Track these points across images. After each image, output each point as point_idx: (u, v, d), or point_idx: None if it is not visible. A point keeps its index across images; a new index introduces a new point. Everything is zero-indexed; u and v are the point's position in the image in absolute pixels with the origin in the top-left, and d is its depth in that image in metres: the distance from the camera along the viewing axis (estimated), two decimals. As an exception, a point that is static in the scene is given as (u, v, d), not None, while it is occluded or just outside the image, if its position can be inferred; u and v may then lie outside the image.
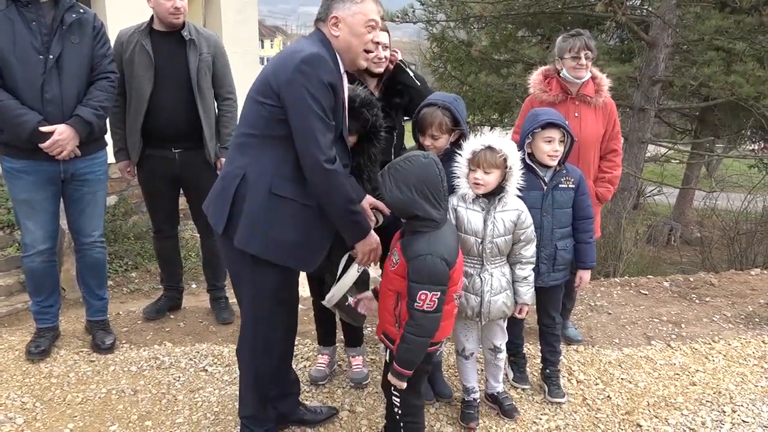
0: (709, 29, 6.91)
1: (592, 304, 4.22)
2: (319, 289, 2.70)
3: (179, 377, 3.07)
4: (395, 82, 2.91)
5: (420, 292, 2.09)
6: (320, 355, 3.13)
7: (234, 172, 2.15)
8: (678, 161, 10.43)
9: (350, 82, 2.82)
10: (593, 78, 3.28)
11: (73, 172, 2.95)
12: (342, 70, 2.20)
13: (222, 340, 3.47)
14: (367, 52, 2.72)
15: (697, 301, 4.38)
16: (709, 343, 3.71)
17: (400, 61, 2.94)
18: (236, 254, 2.20)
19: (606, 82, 3.31)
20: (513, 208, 2.59)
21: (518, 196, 2.67)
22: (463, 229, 2.56)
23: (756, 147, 14.01)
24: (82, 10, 2.86)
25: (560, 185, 2.78)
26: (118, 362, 3.16)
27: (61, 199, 3.06)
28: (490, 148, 2.49)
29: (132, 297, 5.03)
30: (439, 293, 2.11)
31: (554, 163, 2.74)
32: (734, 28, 7.22)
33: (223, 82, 3.36)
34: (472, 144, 2.52)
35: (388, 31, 2.86)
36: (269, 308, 2.30)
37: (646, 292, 4.51)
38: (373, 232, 2.33)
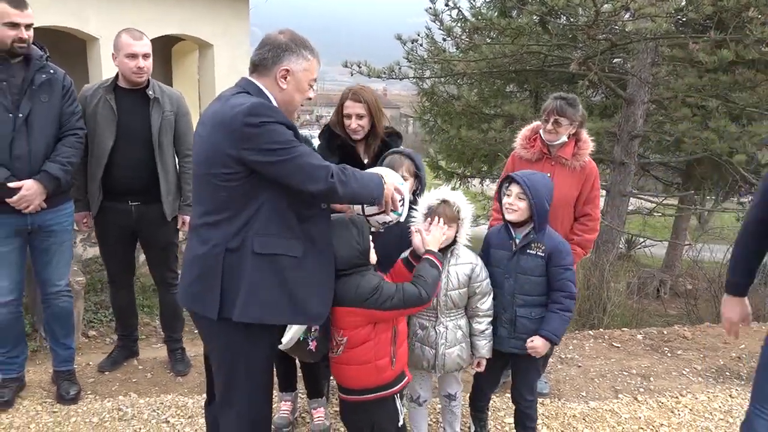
0: (682, 87, 7.13)
1: (563, 356, 4.23)
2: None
3: (140, 429, 3.07)
4: (388, 148, 3.03)
5: None
6: (282, 402, 3.15)
7: (213, 251, 2.03)
8: (660, 214, 10.52)
9: (345, 148, 2.96)
10: (577, 141, 3.29)
11: (39, 224, 3.03)
12: None
13: (188, 390, 3.48)
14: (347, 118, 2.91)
15: (668, 354, 4.39)
16: (676, 397, 3.71)
17: (393, 132, 3.09)
18: (229, 335, 2.09)
19: (588, 146, 3.29)
20: (467, 262, 2.65)
21: (486, 252, 2.76)
22: None
23: (746, 200, 14.13)
24: (52, 71, 3.00)
25: (528, 250, 2.69)
26: (80, 413, 3.17)
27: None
28: (445, 201, 2.57)
29: (115, 347, 5.02)
30: None
31: (512, 216, 2.69)
32: (709, 85, 7.45)
33: (184, 140, 3.45)
34: (427, 199, 2.60)
35: (362, 101, 2.94)
36: (264, 382, 2.22)
37: (619, 345, 4.52)
38: (385, 178, 2.23)
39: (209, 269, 2.05)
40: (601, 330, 4.96)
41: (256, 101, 1.99)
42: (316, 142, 3.01)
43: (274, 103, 2.09)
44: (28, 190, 2.89)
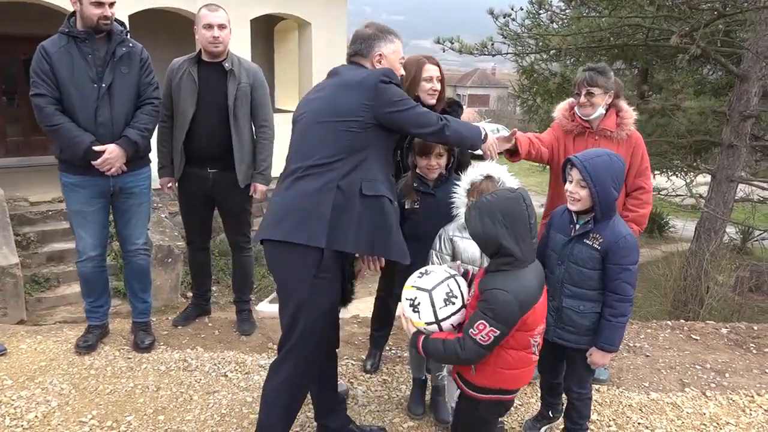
0: (803, 62, 6.43)
1: (631, 344, 4.04)
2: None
3: (200, 379, 3.32)
4: (452, 113, 3.07)
5: (480, 321, 2.04)
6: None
7: (326, 186, 2.28)
8: (775, 202, 9.58)
9: None
10: (617, 111, 3.15)
11: (120, 186, 3.33)
12: None
13: (249, 349, 3.70)
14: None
15: (753, 351, 4.06)
16: (751, 396, 3.45)
17: (453, 102, 3.17)
18: (314, 268, 2.28)
19: (631, 116, 3.17)
20: None
21: (546, 233, 2.65)
22: (461, 259, 2.60)
23: None
24: (131, 44, 3.26)
25: (585, 239, 2.48)
26: (151, 361, 3.47)
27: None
28: (489, 177, 2.53)
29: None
30: (498, 331, 2.03)
31: (574, 207, 2.50)
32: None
33: (259, 111, 3.63)
34: (471, 174, 2.56)
35: (438, 65, 3.07)
36: (330, 321, 2.47)
37: (698, 338, 4.24)
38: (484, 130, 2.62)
39: (318, 204, 2.28)
40: (681, 321, 4.66)
41: (386, 68, 2.45)
42: None
43: None
44: (111, 154, 3.18)
